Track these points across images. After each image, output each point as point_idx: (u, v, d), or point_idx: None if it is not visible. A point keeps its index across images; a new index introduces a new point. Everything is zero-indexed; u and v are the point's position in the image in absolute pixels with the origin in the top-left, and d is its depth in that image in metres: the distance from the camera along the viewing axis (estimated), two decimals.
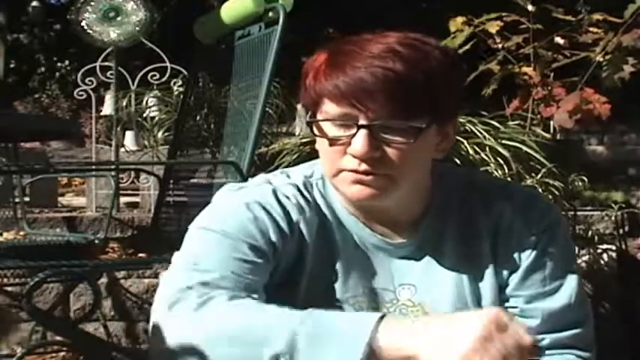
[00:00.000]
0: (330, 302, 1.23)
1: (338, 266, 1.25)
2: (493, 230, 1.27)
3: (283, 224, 1.22)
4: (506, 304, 1.27)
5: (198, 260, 1.17)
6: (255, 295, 1.14)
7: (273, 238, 1.21)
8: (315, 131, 1.21)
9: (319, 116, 1.20)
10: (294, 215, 1.23)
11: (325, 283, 1.24)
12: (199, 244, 1.21)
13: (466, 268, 1.26)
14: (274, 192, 1.24)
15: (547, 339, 1.26)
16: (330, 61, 1.18)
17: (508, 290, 1.27)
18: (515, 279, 1.27)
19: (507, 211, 1.27)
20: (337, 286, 1.24)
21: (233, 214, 1.22)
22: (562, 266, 1.28)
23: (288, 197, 1.24)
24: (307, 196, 1.26)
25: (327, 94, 1.17)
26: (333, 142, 1.18)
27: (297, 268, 1.24)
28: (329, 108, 1.18)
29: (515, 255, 1.26)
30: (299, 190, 1.26)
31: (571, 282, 1.28)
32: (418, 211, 1.27)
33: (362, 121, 1.15)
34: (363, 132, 1.14)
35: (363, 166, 1.16)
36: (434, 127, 1.18)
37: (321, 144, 1.22)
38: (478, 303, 1.25)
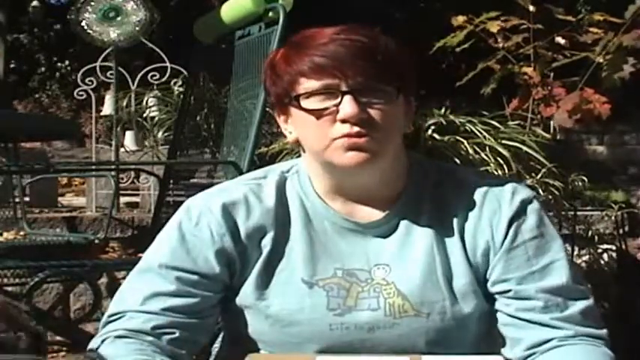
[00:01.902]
0: (300, 285, 1.28)
1: (304, 252, 1.29)
2: (466, 210, 1.30)
3: (226, 236, 1.29)
4: (494, 290, 1.28)
5: (116, 299, 1.31)
6: (160, 331, 1.24)
7: (209, 252, 1.29)
8: (299, 112, 1.26)
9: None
10: (241, 222, 1.30)
11: (291, 269, 1.29)
12: (126, 280, 1.34)
13: (438, 247, 1.29)
14: (223, 207, 1.31)
15: (558, 317, 1.25)
16: (295, 47, 1.27)
17: (495, 276, 1.28)
18: (499, 263, 1.28)
19: (480, 191, 1.31)
20: (304, 270, 1.28)
21: (165, 242, 1.34)
22: (545, 244, 1.29)
23: (235, 204, 1.31)
24: (266, 192, 1.33)
25: (305, 71, 1.24)
26: (320, 114, 1.24)
27: (263, 261, 1.30)
28: (309, 84, 1.24)
29: (488, 235, 1.29)
30: (253, 190, 1.32)
31: (560, 260, 1.28)
32: (394, 191, 1.32)
33: (344, 88, 1.23)
34: (348, 97, 1.22)
35: (355, 129, 1.23)
36: (402, 96, 1.27)
37: (305, 123, 1.26)
38: (449, 281, 1.28)
